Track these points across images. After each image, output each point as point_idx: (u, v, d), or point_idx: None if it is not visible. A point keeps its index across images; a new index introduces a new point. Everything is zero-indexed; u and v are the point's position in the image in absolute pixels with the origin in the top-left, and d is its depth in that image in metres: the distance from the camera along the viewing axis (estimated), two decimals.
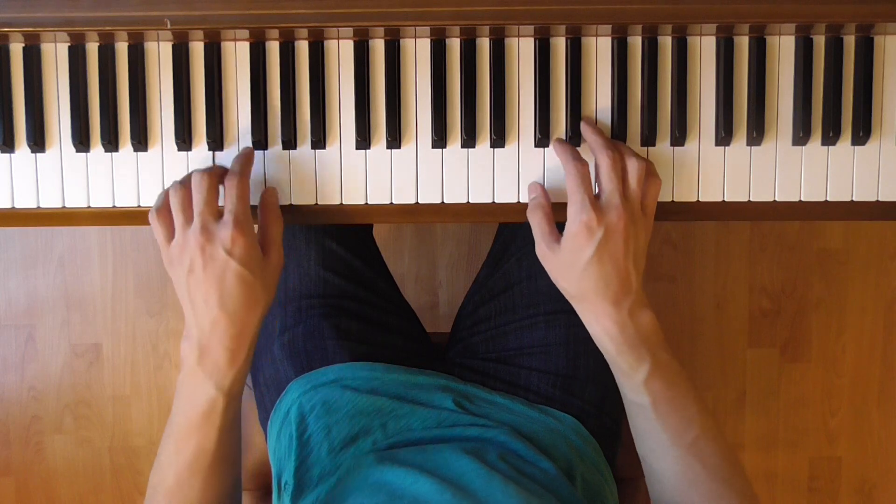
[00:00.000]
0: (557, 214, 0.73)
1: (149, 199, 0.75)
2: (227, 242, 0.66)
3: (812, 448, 1.62)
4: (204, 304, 0.67)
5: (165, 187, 0.75)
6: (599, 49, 0.75)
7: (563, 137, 0.75)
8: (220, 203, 0.70)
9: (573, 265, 0.69)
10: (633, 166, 0.69)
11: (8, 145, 0.75)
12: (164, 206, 0.69)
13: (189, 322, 0.68)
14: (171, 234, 0.68)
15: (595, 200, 0.68)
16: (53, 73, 0.75)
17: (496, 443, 0.78)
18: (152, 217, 0.69)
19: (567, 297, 0.72)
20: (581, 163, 0.70)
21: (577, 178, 0.69)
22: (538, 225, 0.72)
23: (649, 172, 0.71)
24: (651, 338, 0.70)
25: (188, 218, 0.67)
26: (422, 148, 0.76)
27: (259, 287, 0.68)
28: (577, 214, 0.68)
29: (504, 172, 0.76)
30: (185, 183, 0.69)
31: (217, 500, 0.72)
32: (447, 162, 0.76)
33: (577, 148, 0.74)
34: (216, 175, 0.69)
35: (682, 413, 0.69)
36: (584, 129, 0.73)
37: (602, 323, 0.70)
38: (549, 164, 0.75)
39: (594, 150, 0.71)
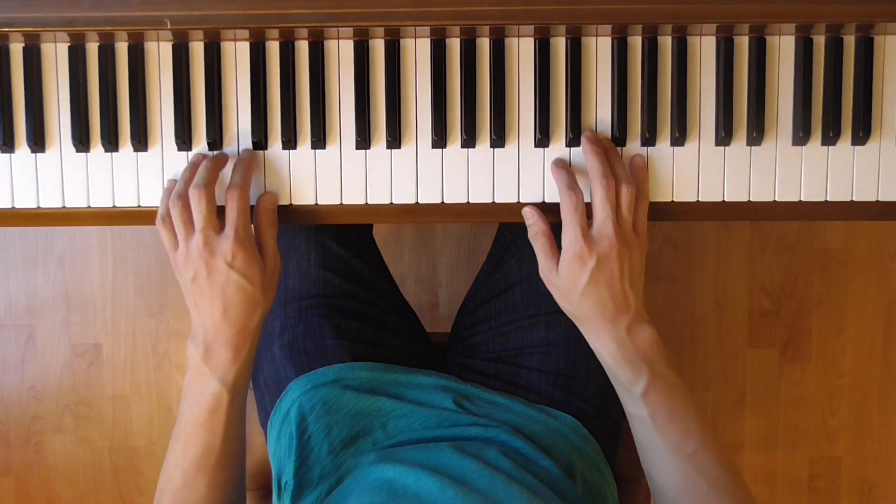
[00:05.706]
0: (557, 216, 0.73)
1: (149, 200, 0.76)
2: (228, 256, 0.69)
3: (812, 448, 1.62)
4: (208, 309, 0.70)
5: (166, 188, 0.75)
6: (599, 49, 0.75)
7: (563, 138, 0.75)
8: (220, 201, 0.71)
9: (571, 290, 0.71)
10: (624, 192, 0.71)
11: (8, 145, 0.75)
12: (167, 215, 0.71)
13: (195, 324, 0.71)
14: (176, 241, 0.71)
15: (587, 230, 0.70)
16: (53, 73, 0.75)
17: (497, 441, 0.78)
18: (158, 225, 0.71)
19: (569, 316, 0.74)
20: (574, 192, 0.71)
21: (570, 208, 0.71)
22: (540, 250, 0.73)
23: (639, 194, 0.72)
24: (649, 353, 0.71)
25: (190, 232, 0.70)
26: (422, 148, 0.76)
27: (259, 294, 0.70)
28: (570, 244, 0.70)
29: (504, 172, 0.76)
30: (181, 196, 0.70)
31: (222, 500, 0.73)
32: (447, 162, 0.76)
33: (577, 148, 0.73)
34: (212, 183, 0.71)
35: (681, 426, 0.70)
36: (585, 146, 0.73)
37: (602, 340, 0.71)
38: (549, 164, 0.75)
39: (591, 176, 0.72)
